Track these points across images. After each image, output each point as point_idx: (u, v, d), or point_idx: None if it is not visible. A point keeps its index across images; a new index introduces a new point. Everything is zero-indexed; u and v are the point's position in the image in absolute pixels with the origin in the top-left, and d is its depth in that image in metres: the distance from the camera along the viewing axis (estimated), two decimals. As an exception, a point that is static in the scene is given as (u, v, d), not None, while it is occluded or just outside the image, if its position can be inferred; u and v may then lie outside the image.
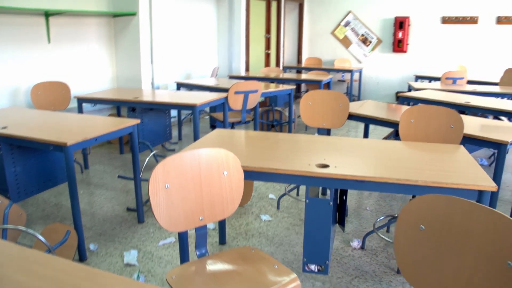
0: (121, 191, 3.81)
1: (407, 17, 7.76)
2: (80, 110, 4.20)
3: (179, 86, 5.33)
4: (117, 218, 3.29)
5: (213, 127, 5.20)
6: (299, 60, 8.96)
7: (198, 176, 1.77)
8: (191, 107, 3.77)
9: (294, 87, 5.07)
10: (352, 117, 3.51)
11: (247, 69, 7.17)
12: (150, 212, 3.37)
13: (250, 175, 2.08)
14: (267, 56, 7.82)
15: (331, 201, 2.07)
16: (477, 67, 7.41)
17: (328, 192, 2.10)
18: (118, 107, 4.82)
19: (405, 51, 7.98)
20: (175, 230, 1.73)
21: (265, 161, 2.12)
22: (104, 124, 2.92)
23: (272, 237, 3.04)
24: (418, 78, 6.87)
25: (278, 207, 3.55)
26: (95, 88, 5.07)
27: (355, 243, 2.95)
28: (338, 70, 7.88)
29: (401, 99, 4.56)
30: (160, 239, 2.98)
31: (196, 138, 3.88)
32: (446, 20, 7.58)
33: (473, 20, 7.36)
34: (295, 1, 8.37)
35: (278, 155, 2.25)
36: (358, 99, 8.29)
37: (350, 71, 7.55)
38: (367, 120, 3.44)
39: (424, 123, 2.90)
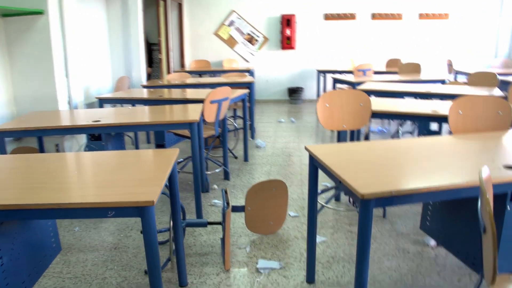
0: (105, 249, 2.80)
1: (293, 15, 7.93)
2: (3, 148, 2.93)
3: (102, 102, 4.25)
4: (145, 288, 2.38)
5: (159, 146, 4.31)
6: (182, 64, 8.29)
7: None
8: (188, 124, 2.99)
9: (248, 90, 4.58)
10: (375, 115, 3.29)
11: (148, 78, 6.26)
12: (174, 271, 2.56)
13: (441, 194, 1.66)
14: (160, 61, 6.98)
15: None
16: (359, 59, 8.07)
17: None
18: (40, 138, 3.55)
19: (293, 48, 8.15)
20: None
21: (434, 179, 1.73)
22: (145, 162, 2.03)
23: (353, 258, 2.61)
24: (320, 72, 7.08)
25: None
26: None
27: (432, 242, 2.76)
28: (231, 71, 7.56)
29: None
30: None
31: (195, 163, 3.10)
32: (328, 17, 8.02)
33: (352, 17, 7.97)
34: (174, 0, 7.68)
35: (434, 166, 1.86)
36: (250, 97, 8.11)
37: (248, 71, 7.32)
38: (392, 117, 3.27)
39: (472, 113, 2.87)
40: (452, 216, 2.17)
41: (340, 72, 6.87)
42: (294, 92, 8.26)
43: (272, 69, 8.39)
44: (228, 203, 2.54)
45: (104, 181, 1.76)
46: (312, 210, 2.28)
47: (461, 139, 2.32)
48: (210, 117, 3.69)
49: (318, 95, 7.33)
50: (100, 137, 3.09)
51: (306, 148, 2.23)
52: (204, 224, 2.67)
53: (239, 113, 6.66)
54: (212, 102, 3.63)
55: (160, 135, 4.20)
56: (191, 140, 3.02)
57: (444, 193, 1.63)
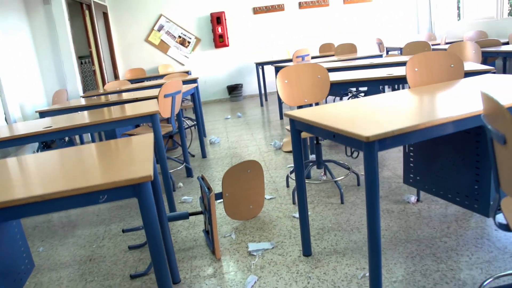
0: (79, 263, 2.54)
1: (223, 12, 7.87)
2: None
3: (43, 117, 3.90)
4: (135, 293, 2.18)
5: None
6: (116, 75, 7.90)
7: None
8: (150, 117, 2.82)
9: (196, 84, 4.44)
10: (334, 86, 3.31)
11: (84, 90, 5.88)
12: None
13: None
14: (93, 73, 6.60)
15: None
16: (293, 48, 8.18)
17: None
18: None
19: (227, 45, 8.08)
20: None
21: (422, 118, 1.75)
22: (124, 148, 1.85)
23: (343, 226, 2.59)
24: (258, 64, 7.09)
25: (293, 202, 3.06)
26: None
27: (412, 199, 2.81)
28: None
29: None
30: (235, 285, 2.13)
31: (162, 157, 2.92)
32: (257, 11, 8.05)
33: (280, 8, 8.07)
34: (98, 9, 7.30)
35: (417, 110, 1.88)
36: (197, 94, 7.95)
37: (186, 72, 7.14)
38: (350, 85, 3.31)
39: (426, 69, 2.98)
40: (436, 162, 2.21)
41: (279, 62, 6.92)
42: (233, 90, 8.20)
43: (208, 69, 8.27)
44: (209, 188, 2.41)
45: (88, 168, 1.58)
46: (300, 178, 2.22)
47: (426, 90, 2.38)
48: (165, 112, 3.52)
49: (259, 88, 7.34)
50: (51, 146, 2.81)
51: (286, 114, 2.17)
52: (186, 216, 2.51)
53: (185, 114, 6.48)
54: (165, 96, 3.47)
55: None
56: (154, 133, 2.84)
57: (442, 126, 1.64)
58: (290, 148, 4.39)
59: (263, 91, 7.48)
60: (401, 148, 3.99)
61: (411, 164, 2.37)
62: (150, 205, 1.46)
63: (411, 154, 2.36)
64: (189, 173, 3.94)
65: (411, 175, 2.38)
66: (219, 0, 7.96)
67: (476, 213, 2.21)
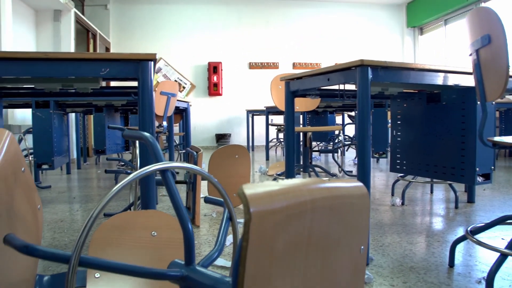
0: (49, 222, 2.40)
1: (220, 62, 8.24)
2: None
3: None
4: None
5: (99, 152, 3.99)
6: (107, 110, 7.99)
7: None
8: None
9: (190, 101, 4.53)
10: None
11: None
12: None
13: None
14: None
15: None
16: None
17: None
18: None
19: (220, 94, 8.35)
20: None
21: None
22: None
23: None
24: (249, 112, 7.29)
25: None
26: None
27: (397, 201, 2.82)
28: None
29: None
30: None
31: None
32: (252, 66, 8.47)
33: (275, 66, 8.51)
34: (102, 43, 7.59)
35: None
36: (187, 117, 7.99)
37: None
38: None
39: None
40: (422, 141, 2.26)
41: (271, 109, 7.10)
42: (222, 138, 8.31)
43: (200, 116, 8.44)
44: (197, 151, 2.39)
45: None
46: (290, 140, 2.24)
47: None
48: (159, 109, 3.56)
49: (247, 136, 7.48)
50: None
51: (281, 78, 2.25)
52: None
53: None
54: (162, 93, 3.54)
55: (100, 138, 3.93)
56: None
57: (431, 73, 1.74)
58: (276, 171, 4.39)
59: (251, 142, 7.59)
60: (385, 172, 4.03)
61: (398, 150, 2.42)
62: (149, 86, 1.47)
63: (398, 139, 2.42)
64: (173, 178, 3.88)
65: (398, 161, 2.42)
66: (218, 51, 8.39)
67: (463, 183, 2.23)
